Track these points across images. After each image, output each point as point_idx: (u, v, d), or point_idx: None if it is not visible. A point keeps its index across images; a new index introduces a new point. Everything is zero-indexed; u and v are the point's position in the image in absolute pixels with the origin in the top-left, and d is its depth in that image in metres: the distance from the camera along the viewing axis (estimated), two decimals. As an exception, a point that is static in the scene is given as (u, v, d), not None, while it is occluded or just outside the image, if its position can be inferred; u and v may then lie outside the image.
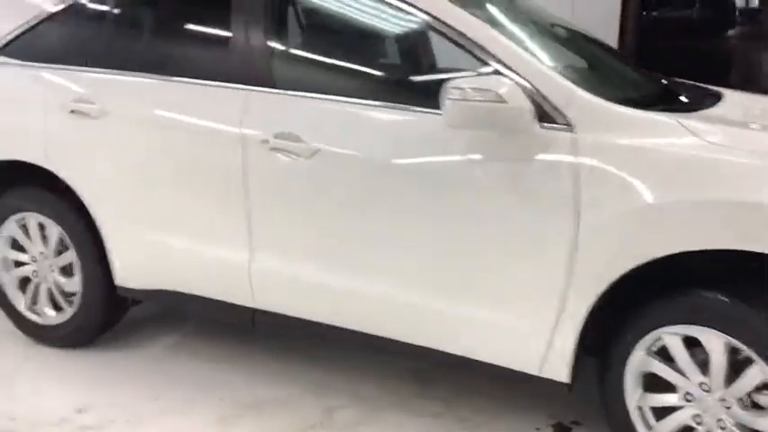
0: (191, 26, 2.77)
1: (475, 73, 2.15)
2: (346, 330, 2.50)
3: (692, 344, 2.06)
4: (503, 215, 2.14)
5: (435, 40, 2.28)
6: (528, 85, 2.09)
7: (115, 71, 2.76)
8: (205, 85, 2.58)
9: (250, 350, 3.11)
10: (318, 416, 2.65)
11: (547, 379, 2.23)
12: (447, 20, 2.23)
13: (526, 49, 2.23)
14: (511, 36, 2.28)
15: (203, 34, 2.75)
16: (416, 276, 2.32)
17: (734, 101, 2.52)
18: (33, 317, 3.13)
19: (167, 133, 2.62)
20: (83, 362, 3.02)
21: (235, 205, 2.53)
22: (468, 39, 2.20)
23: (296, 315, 2.57)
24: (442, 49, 2.36)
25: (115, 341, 3.15)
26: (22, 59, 2.97)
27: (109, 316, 3.06)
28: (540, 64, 2.17)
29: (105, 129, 2.72)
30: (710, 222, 1.90)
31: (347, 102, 2.37)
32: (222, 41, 2.60)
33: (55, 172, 2.85)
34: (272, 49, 2.51)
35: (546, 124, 2.08)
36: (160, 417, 2.63)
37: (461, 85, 2.01)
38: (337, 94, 2.39)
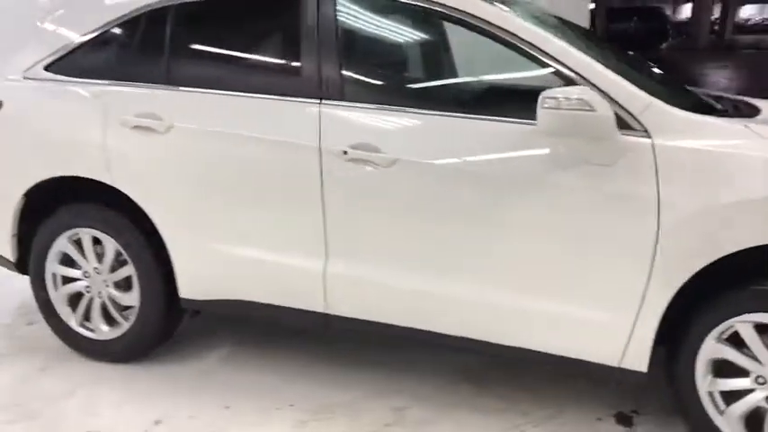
0: (260, 41, 2.83)
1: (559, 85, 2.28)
2: (423, 331, 2.60)
3: (760, 331, 2.24)
4: (587, 217, 2.28)
5: (509, 55, 2.39)
6: (606, 95, 2.25)
7: (180, 87, 2.81)
8: (278, 99, 2.66)
9: (301, 357, 3.18)
10: (390, 416, 2.74)
11: (626, 370, 2.37)
12: (524, 36, 2.37)
13: (594, 60, 2.38)
14: (580, 49, 2.43)
15: (272, 50, 2.82)
16: (499, 277, 2.44)
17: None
18: (86, 332, 3.13)
19: (237, 147, 2.68)
20: (145, 376, 3.03)
21: (310, 214, 2.61)
22: (547, 53, 2.34)
23: (372, 318, 2.66)
24: (513, 64, 2.48)
25: (170, 354, 3.18)
26: (74, 76, 2.99)
27: (166, 329, 3.09)
28: (615, 74, 2.33)
29: (173, 143, 2.76)
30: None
31: (425, 113, 2.48)
32: (292, 57, 2.69)
33: (118, 187, 2.87)
34: (346, 65, 2.60)
35: (625, 131, 2.24)
36: (239, 427, 2.67)
37: (555, 94, 2.15)
38: (415, 107, 2.50)
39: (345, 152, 2.51)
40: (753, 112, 2.62)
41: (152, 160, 2.81)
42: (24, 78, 3.09)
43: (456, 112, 2.46)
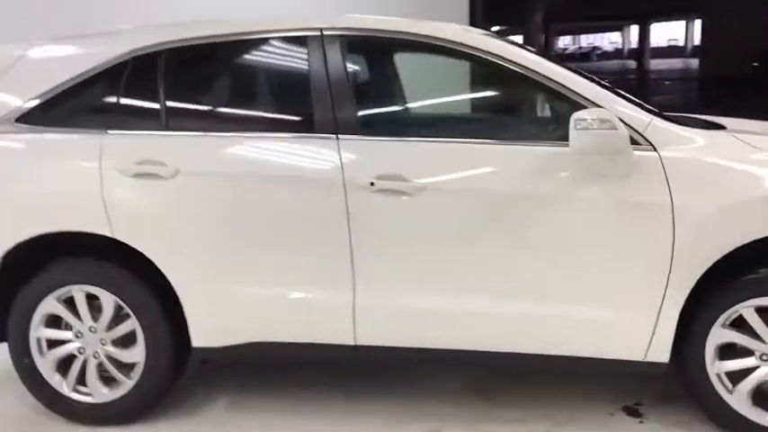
0: (268, 83, 2.85)
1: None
2: (458, 351, 2.70)
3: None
4: (611, 227, 2.50)
5: (525, 87, 2.60)
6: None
7: (183, 131, 2.77)
8: (292, 137, 2.69)
9: (313, 394, 3.16)
10: (428, 437, 2.81)
11: (650, 362, 2.60)
12: (541, 71, 2.59)
13: (599, 86, 2.64)
14: (578, 74, 2.67)
15: (284, 91, 2.85)
16: (535, 291, 2.60)
17: (730, 122, 3.10)
18: (82, 397, 2.93)
19: (253, 186, 2.68)
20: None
21: (336, 247, 2.64)
22: (562, 84, 2.57)
23: (404, 345, 2.72)
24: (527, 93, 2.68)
25: (174, 409, 3.04)
26: (54, 126, 2.85)
27: (171, 382, 2.96)
28: (616, 96, 2.58)
29: (180, 188, 2.70)
30: None
31: (449, 141, 2.62)
32: (302, 95, 2.73)
33: (120, 239, 2.75)
34: (366, 99, 2.69)
35: (634, 146, 2.49)
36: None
37: (584, 116, 2.36)
38: (437, 137, 2.63)
39: (372, 183, 2.59)
40: (719, 128, 2.96)
41: (157, 207, 2.72)
42: (-6, 131, 2.89)
43: (481, 138, 2.62)
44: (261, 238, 2.71)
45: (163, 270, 2.76)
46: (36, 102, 2.88)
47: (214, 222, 2.72)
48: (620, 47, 51.09)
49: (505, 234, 2.57)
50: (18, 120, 2.89)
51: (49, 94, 2.88)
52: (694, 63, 26.89)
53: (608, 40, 56.81)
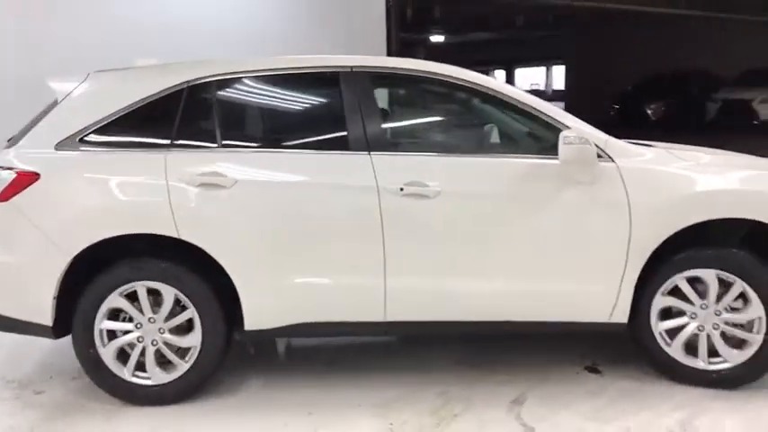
0: (309, 108, 3.46)
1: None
2: (467, 323, 3.39)
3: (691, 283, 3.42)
4: (584, 218, 3.30)
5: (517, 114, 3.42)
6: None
7: (236, 149, 3.34)
8: (332, 153, 3.32)
9: (320, 369, 3.75)
10: (439, 399, 3.44)
11: (613, 323, 3.40)
12: (528, 102, 3.40)
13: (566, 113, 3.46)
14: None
15: (319, 114, 3.49)
16: (527, 271, 3.33)
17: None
18: (142, 381, 3.35)
19: (300, 192, 3.27)
20: (203, 415, 3.34)
21: (371, 240, 3.27)
22: (543, 113, 3.38)
23: (425, 319, 3.38)
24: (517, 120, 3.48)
25: (213, 392, 3.50)
26: (114, 147, 3.33)
27: (219, 363, 3.44)
28: (581, 122, 3.41)
29: (239, 195, 3.24)
30: (701, 204, 3.31)
31: (459, 156, 3.36)
32: (338, 120, 3.37)
33: (185, 239, 3.23)
34: (391, 122, 3.37)
35: (599, 158, 3.31)
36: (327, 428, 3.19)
37: (569, 134, 3.16)
38: (450, 152, 3.37)
39: (402, 189, 3.25)
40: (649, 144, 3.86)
41: (220, 211, 3.24)
42: (58, 150, 3.30)
43: (484, 153, 3.37)
44: (307, 234, 3.28)
45: (223, 264, 3.27)
46: (100, 124, 3.34)
47: (268, 223, 3.27)
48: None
49: (505, 227, 3.31)
50: (82, 140, 3.33)
51: (110, 117, 3.35)
52: (559, 106, 29.28)
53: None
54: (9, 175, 3.26)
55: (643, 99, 18.41)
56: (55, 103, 3.44)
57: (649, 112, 18.25)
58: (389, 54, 9.07)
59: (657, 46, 20.13)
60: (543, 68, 37.93)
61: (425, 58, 3.60)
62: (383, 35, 8.99)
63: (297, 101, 3.54)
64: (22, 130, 3.51)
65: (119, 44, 6.90)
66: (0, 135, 3.63)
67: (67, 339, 3.38)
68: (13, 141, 3.47)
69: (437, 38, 26.53)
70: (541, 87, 41.07)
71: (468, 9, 18.12)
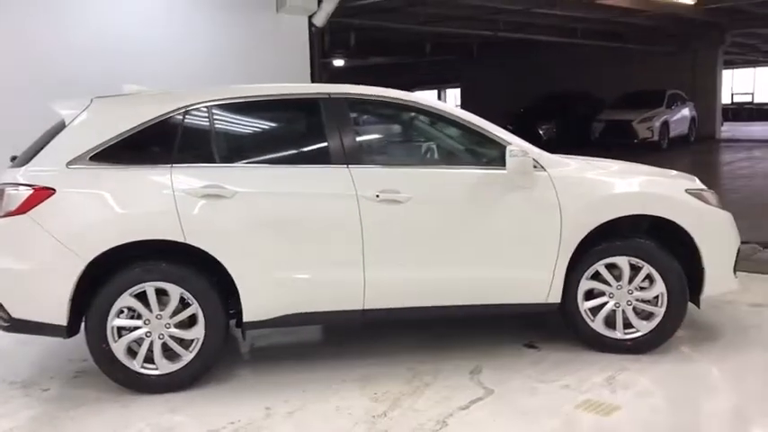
0: (294, 129, 4.03)
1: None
2: (435, 307, 4.04)
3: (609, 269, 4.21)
4: (525, 217, 4.03)
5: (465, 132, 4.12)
6: (522, 150, 4.06)
7: (232, 163, 3.86)
8: (316, 167, 3.90)
9: (318, 354, 4.28)
10: (409, 373, 4.04)
11: (549, 303, 4.13)
12: (474, 121, 4.11)
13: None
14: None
15: (303, 134, 4.07)
16: (478, 261, 4.02)
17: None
18: (150, 371, 3.78)
19: (291, 200, 3.83)
20: (211, 398, 3.80)
21: (352, 240, 3.85)
22: (486, 130, 4.09)
23: (398, 306, 3.99)
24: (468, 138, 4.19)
25: (208, 382, 3.94)
26: (123, 163, 3.77)
27: (219, 353, 3.91)
28: (517, 138, 4.16)
29: (238, 204, 3.75)
30: (614, 204, 4.11)
31: (424, 167, 4.03)
32: (320, 138, 3.96)
33: (191, 243, 3.71)
34: (365, 139, 3.99)
35: (535, 168, 4.06)
36: (316, 401, 3.73)
37: (513, 148, 3.89)
38: (416, 164, 4.03)
39: (377, 195, 3.87)
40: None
41: (222, 218, 3.74)
42: (70, 168, 3.71)
43: (439, 165, 4.06)
44: (298, 236, 3.84)
45: (224, 264, 3.76)
46: (108, 144, 3.77)
47: (264, 227, 3.80)
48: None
49: (464, 226, 3.99)
50: (92, 158, 3.75)
51: (117, 137, 3.79)
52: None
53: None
54: (26, 191, 3.63)
55: (534, 120, 19.83)
56: (62, 125, 3.84)
57: (541, 132, 19.66)
58: (312, 77, 9.69)
59: (549, 71, 21.77)
60: (439, 91, 39.53)
61: (337, 81, 4.25)
62: (307, 60, 9.60)
63: (284, 122, 4.11)
64: (27, 150, 3.89)
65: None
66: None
67: (57, 342, 3.79)
68: (20, 161, 3.84)
69: (351, 62, 27.37)
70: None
71: (375, 36, 19.03)
